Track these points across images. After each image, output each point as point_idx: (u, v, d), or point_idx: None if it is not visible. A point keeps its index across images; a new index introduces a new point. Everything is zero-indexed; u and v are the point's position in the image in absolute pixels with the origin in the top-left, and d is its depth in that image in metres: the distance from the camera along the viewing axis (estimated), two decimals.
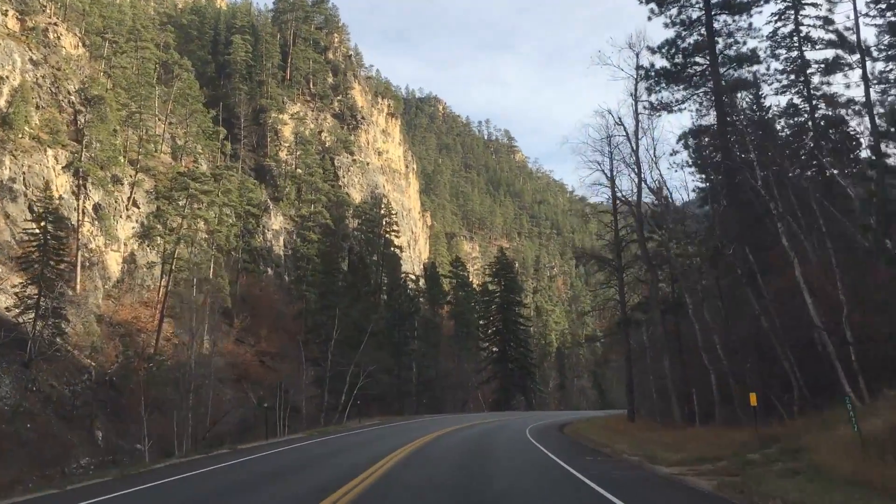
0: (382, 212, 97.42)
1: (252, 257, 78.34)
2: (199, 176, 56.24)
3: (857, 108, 29.78)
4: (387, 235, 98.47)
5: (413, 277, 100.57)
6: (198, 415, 40.49)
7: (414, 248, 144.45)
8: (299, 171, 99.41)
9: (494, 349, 79.11)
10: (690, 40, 32.54)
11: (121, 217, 63.86)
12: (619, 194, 39.71)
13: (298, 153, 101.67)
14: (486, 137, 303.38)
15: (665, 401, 33.31)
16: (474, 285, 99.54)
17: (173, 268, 53.86)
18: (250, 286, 75.92)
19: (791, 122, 33.34)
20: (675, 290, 36.44)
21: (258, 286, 76.82)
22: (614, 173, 39.08)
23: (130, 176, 66.47)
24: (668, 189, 35.53)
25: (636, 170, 35.95)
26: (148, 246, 64.23)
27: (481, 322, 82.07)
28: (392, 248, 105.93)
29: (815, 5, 31.08)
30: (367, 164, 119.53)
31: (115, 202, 63.90)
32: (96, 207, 61.91)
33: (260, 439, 31.20)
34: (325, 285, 55.41)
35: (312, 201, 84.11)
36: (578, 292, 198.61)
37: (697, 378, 29.22)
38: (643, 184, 35.55)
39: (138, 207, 66.45)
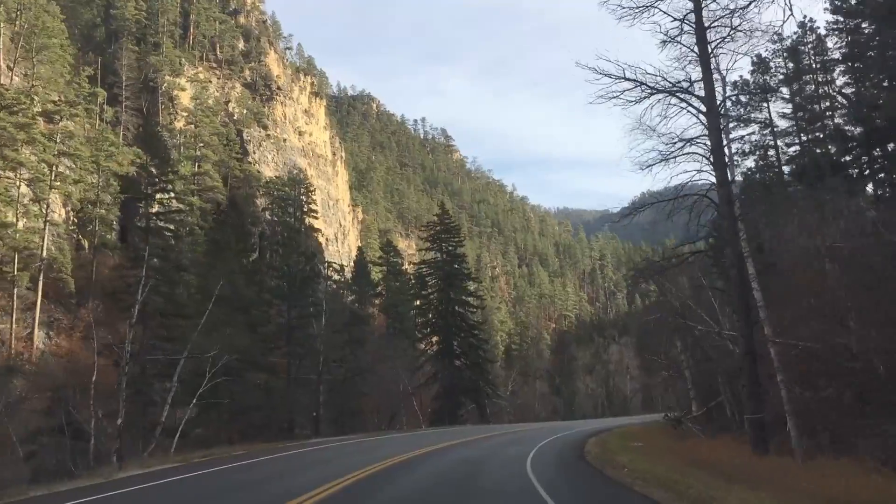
0: (301, 191, 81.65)
1: (128, 237, 61.84)
2: (10, 104, 39.58)
3: None
4: (306, 220, 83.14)
5: (337, 266, 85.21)
6: None
7: (343, 242, 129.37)
8: (200, 143, 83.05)
9: (434, 339, 62.14)
10: None
11: None
12: None
13: (198, 123, 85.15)
14: (422, 136, 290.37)
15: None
16: (409, 275, 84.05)
17: None
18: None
19: None
20: None
21: None
22: None
23: None
24: None
25: None
26: None
27: (419, 318, 66.54)
28: (315, 235, 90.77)
29: None
30: (285, 140, 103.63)
31: None
32: None
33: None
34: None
35: (197, 158, 67.45)
36: (522, 293, 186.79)
37: None
38: None
39: None
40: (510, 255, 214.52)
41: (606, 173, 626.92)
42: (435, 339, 61.37)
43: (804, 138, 33.41)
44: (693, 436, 24.44)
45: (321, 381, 38.96)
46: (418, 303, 66.37)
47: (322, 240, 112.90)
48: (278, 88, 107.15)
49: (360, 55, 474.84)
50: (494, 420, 60.48)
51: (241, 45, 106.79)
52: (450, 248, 61.93)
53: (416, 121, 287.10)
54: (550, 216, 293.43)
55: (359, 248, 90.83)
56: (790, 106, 33.76)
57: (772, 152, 34.57)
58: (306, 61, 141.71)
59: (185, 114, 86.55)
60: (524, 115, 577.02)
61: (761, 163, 34.91)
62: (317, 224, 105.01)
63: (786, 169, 34.87)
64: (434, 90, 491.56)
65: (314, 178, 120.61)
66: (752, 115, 36.20)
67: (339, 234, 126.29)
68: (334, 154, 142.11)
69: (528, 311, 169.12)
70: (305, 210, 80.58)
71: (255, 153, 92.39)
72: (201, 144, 74.88)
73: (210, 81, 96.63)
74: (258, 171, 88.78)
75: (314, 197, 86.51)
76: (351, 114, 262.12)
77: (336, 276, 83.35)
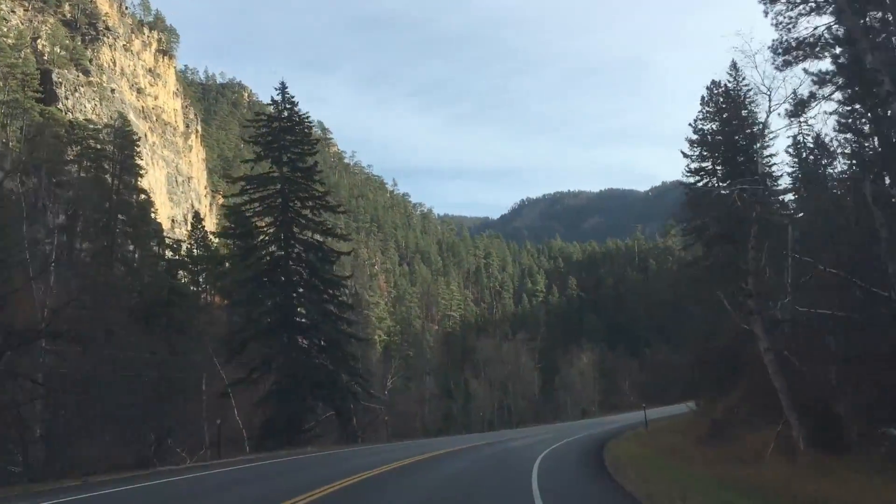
0: (120, 142, 62.85)
1: None
2: None
3: None
4: (131, 178, 64.49)
5: (171, 240, 67.59)
6: None
7: (197, 227, 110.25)
8: None
9: (257, 298, 38.09)
10: None
11: None
12: None
13: None
14: None
15: None
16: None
17: None
18: None
19: None
20: None
21: None
22: None
23: None
24: None
25: None
26: None
27: (237, 271, 45.73)
28: (153, 213, 72.25)
29: None
30: (113, 92, 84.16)
31: None
32: None
33: None
34: None
35: None
36: (403, 292, 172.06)
37: None
38: None
39: None
40: (390, 253, 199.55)
41: (487, 184, 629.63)
42: (258, 298, 38.70)
43: None
44: None
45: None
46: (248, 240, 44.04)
47: (165, 220, 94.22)
48: (107, 29, 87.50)
49: (236, 60, 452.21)
50: (366, 437, 41.67)
51: None
52: (293, 156, 40.45)
53: None
54: (433, 215, 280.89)
55: (195, 214, 72.87)
56: None
57: None
58: (154, 16, 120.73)
59: None
60: (406, 124, 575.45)
61: None
62: (155, 201, 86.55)
63: None
64: (314, 97, 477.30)
65: (158, 148, 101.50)
66: None
67: (188, 215, 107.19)
68: (188, 126, 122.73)
69: (409, 309, 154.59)
70: (127, 166, 61.89)
71: (67, 99, 72.91)
72: None
73: (14, 12, 76.26)
74: (70, 122, 69.34)
75: (139, 149, 67.80)
76: (220, 101, 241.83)
77: (170, 254, 65.77)
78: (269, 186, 40.61)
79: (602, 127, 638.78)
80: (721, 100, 39.96)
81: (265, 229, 40.36)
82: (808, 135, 23.76)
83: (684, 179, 39.12)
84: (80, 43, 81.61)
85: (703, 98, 40.37)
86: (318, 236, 41.08)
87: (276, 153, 41.46)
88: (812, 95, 18.40)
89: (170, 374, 27.77)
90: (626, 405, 73.39)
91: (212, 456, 25.59)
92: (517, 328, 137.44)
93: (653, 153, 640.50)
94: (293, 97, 40.72)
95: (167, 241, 66.60)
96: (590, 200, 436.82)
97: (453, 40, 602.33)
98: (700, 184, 38.75)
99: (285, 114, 41.60)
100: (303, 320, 38.37)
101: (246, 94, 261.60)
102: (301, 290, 39.02)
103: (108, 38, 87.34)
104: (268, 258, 39.64)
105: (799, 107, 18.24)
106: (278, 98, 42.14)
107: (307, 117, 42.70)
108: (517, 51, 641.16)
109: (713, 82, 40.11)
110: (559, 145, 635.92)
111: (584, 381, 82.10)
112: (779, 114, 19.87)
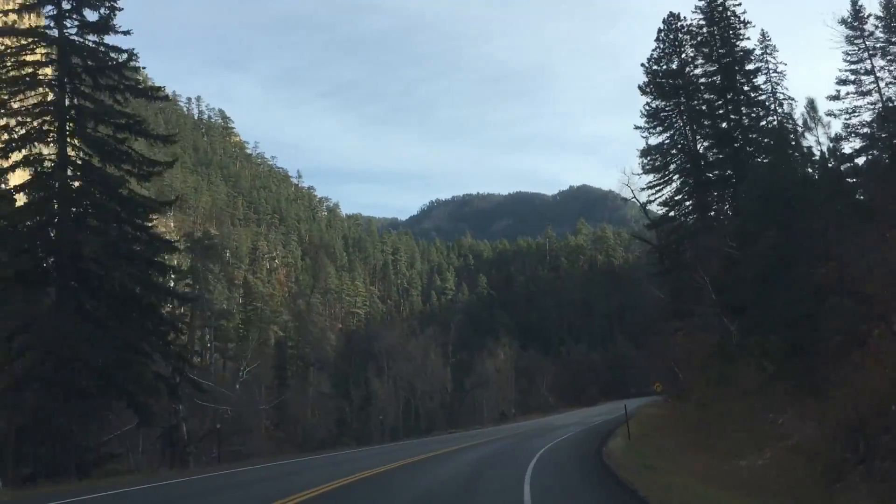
0: None
1: None
2: None
3: None
4: None
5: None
6: None
7: None
8: None
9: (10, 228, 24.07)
10: None
11: None
12: None
13: None
14: (196, 116, 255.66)
15: None
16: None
17: None
18: None
19: None
20: None
21: None
22: None
23: None
24: None
25: None
26: None
27: None
28: None
29: None
30: None
31: None
32: None
33: None
34: None
35: None
36: (305, 287, 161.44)
37: None
38: None
39: None
40: (292, 246, 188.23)
41: (396, 187, 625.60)
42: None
43: None
44: None
45: None
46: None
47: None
48: None
49: (143, 54, 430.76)
50: (212, 454, 28.73)
51: None
52: (81, 4, 25.67)
53: (189, 99, 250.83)
54: (340, 211, 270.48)
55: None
56: None
57: None
58: None
59: None
60: (317, 125, 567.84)
61: None
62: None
63: None
64: (224, 95, 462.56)
65: None
66: None
67: None
68: None
69: (310, 305, 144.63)
70: None
71: None
72: None
73: None
74: None
75: None
76: None
77: None
78: (36, 50, 26.53)
79: (510, 132, 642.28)
80: (680, 35, 33.67)
81: (26, 118, 25.89)
82: None
83: (641, 124, 32.67)
84: None
85: (659, 31, 33.93)
86: (121, 134, 27.19)
87: None
88: None
89: None
90: (547, 406, 66.93)
91: None
92: (426, 326, 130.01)
93: (559, 158, 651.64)
94: None
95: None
96: (498, 203, 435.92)
97: (365, 43, 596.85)
98: (658, 130, 32.60)
99: None
100: (89, 266, 24.12)
101: (141, 79, 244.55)
102: (86, 212, 25.29)
103: None
104: (33, 164, 25.65)
105: None
106: None
107: None
108: (428, 55, 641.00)
109: (671, 14, 33.65)
110: (468, 149, 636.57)
111: (502, 381, 74.79)
112: None
